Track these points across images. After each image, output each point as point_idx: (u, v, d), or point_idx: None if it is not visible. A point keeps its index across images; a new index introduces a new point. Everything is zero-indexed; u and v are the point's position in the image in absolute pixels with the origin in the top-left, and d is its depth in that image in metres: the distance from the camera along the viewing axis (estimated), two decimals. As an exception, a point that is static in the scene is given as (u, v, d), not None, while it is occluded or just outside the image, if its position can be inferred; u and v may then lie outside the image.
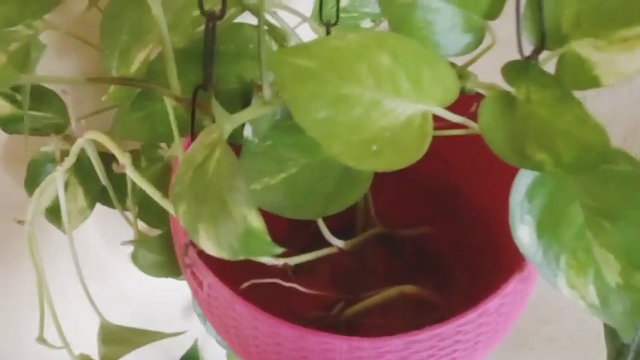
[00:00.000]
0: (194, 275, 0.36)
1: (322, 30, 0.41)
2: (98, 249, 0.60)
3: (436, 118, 0.28)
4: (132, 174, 0.36)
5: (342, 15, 0.46)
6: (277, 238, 0.28)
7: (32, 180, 0.49)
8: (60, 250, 0.47)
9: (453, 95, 0.28)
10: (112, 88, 0.37)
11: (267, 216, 0.32)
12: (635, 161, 0.28)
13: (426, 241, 0.45)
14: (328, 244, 0.40)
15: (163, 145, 0.50)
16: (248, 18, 0.38)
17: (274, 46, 0.39)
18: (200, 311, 0.59)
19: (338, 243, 0.40)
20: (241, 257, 0.27)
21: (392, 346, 0.32)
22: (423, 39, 0.31)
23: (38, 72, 0.42)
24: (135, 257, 0.49)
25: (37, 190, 0.43)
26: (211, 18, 0.28)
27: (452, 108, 0.28)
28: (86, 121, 0.46)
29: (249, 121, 0.34)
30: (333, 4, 0.45)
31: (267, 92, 0.31)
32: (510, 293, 0.33)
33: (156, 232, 0.51)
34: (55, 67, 0.48)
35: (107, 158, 0.43)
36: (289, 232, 0.40)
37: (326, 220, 0.39)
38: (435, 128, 0.28)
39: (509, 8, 0.31)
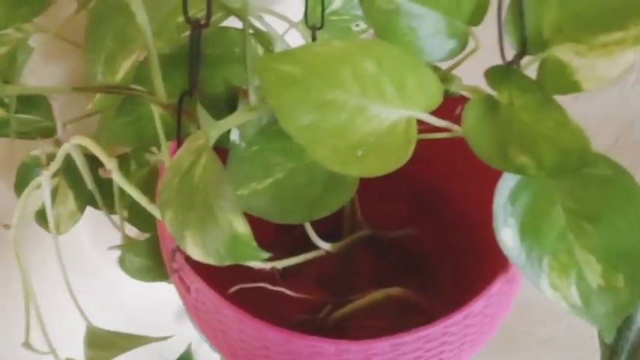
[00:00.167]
0: (182, 280, 0.36)
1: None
2: (91, 254, 0.60)
3: (421, 121, 0.28)
4: (118, 179, 0.36)
5: (333, 18, 0.46)
6: (264, 242, 0.28)
7: (22, 184, 0.49)
8: (52, 254, 0.47)
9: (436, 101, 0.28)
10: (97, 96, 0.37)
11: (255, 220, 0.32)
12: (615, 165, 0.29)
13: (411, 243, 0.45)
14: (315, 248, 0.40)
15: (155, 149, 0.50)
16: (235, 22, 0.38)
17: (260, 51, 0.39)
18: (191, 315, 0.59)
19: (325, 246, 0.40)
20: (228, 263, 0.27)
21: (379, 349, 0.32)
22: (408, 45, 0.31)
23: (26, 75, 0.42)
24: (122, 261, 0.48)
25: (23, 194, 0.43)
26: (196, 26, 0.28)
27: (436, 110, 0.28)
28: (75, 125, 0.45)
29: (236, 126, 0.34)
30: (326, 6, 0.46)
31: (252, 98, 0.32)
32: (495, 295, 0.34)
33: (146, 237, 0.51)
34: (43, 70, 0.48)
35: (96, 162, 0.43)
36: (276, 235, 0.41)
37: (313, 223, 0.39)
38: (420, 131, 0.28)
39: (493, 14, 0.31)
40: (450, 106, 0.31)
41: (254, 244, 0.26)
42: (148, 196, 0.38)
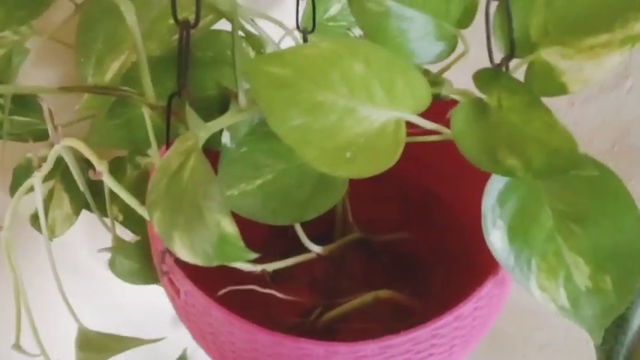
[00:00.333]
0: (171, 282, 0.36)
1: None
2: (87, 257, 0.59)
3: (412, 124, 0.28)
4: (109, 181, 0.36)
5: (331, 23, 0.46)
6: (255, 245, 0.28)
7: (17, 186, 0.49)
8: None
9: (425, 102, 0.29)
10: (85, 96, 0.37)
11: (246, 222, 0.32)
12: (603, 166, 0.29)
13: (403, 245, 0.45)
14: (307, 250, 0.40)
15: (151, 151, 0.50)
16: (228, 25, 0.38)
17: (252, 54, 0.39)
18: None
19: (316, 249, 0.40)
20: (216, 263, 0.27)
21: (368, 351, 0.32)
22: (397, 47, 0.31)
23: (21, 77, 0.42)
24: (112, 264, 0.48)
25: (15, 196, 0.43)
26: (185, 27, 0.28)
27: (429, 114, 0.29)
28: (71, 128, 0.45)
29: (227, 127, 0.34)
30: (322, 13, 0.46)
31: (242, 99, 0.32)
32: (485, 297, 0.34)
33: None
34: (38, 72, 0.48)
35: (90, 164, 0.43)
36: (268, 238, 0.41)
37: (305, 226, 0.39)
38: (411, 134, 0.28)
39: (481, 18, 0.31)
40: (442, 109, 0.31)
41: (242, 244, 0.26)
42: (140, 198, 0.38)
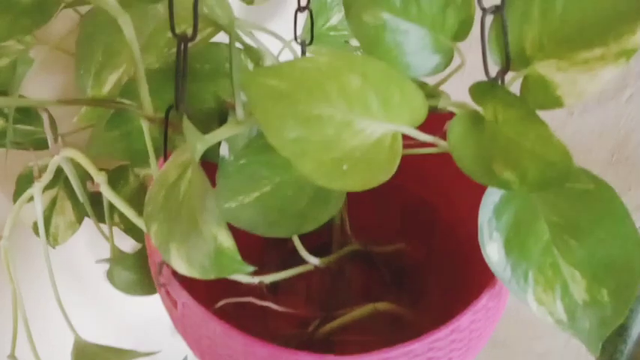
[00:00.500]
0: (168, 294, 0.36)
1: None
2: (88, 267, 0.60)
3: (409, 136, 0.28)
4: (106, 192, 0.36)
5: (332, 33, 0.46)
6: (253, 256, 0.28)
7: (21, 194, 0.49)
8: (52, 267, 0.47)
9: (422, 115, 0.29)
10: (83, 109, 0.37)
11: (243, 234, 0.32)
12: (598, 179, 0.29)
13: (401, 257, 0.45)
14: (304, 262, 0.40)
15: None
16: (227, 38, 0.38)
17: (250, 66, 0.39)
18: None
19: (314, 261, 0.40)
20: (212, 276, 0.27)
21: (365, 364, 0.32)
22: (394, 60, 0.32)
23: (25, 86, 0.42)
24: (110, 275, 0.48)
25: (15, 205, 0.43)
26: (183, 40, 0.28)
27: (426, 126, 0.29)
28: (73, 138, 0.46)
29: (225, 139, 0.34)
30: (323, 23, 0.46)
31: (239, 112, 0.32)
32: (481, 310, 0.33)
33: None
34: (43, 80, 0.48)
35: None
36: (265, 250, 0.41)
37: (303, 238, 0.39)
38: (408, 146, 0.28)
39: (478, 30, 0.31)
40: (440, 121, 0.31)
41: (238, 257, 0.27)
42: (139, 208, 0.38)
